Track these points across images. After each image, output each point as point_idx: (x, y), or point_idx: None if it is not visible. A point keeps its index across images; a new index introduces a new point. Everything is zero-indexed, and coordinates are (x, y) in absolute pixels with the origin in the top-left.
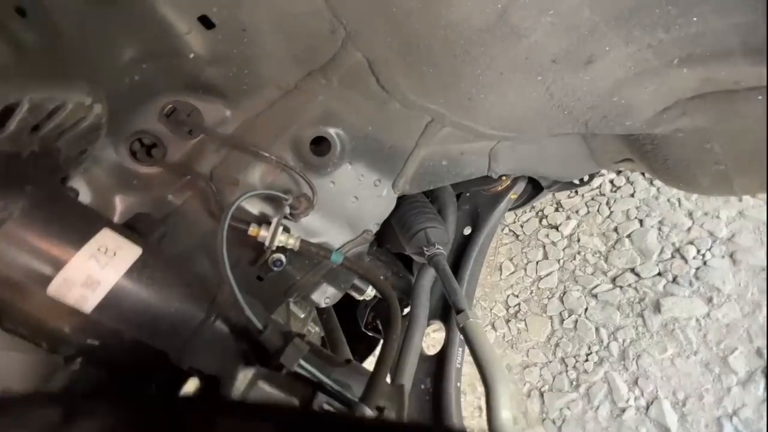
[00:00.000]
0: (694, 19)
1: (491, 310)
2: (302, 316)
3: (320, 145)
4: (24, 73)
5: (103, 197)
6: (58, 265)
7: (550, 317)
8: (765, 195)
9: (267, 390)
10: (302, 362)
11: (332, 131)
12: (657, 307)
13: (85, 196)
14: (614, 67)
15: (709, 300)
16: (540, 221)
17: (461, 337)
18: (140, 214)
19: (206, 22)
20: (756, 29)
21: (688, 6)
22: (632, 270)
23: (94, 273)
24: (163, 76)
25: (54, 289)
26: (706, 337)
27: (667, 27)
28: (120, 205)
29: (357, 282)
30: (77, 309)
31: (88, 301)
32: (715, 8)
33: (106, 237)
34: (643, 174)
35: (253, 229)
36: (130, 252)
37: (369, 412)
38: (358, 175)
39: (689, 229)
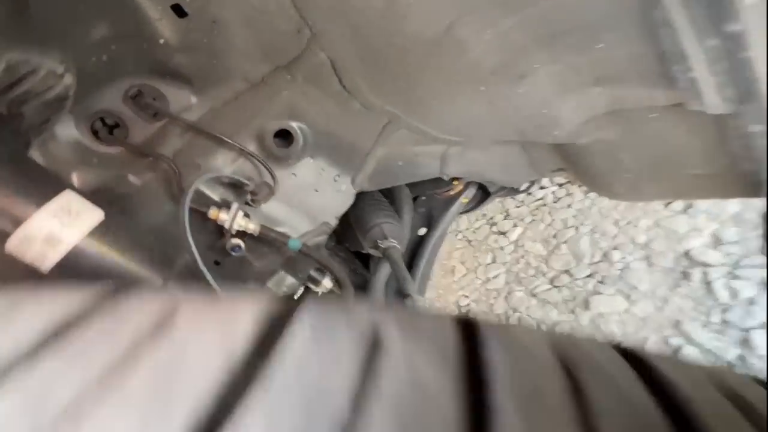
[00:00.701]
0: (600, 46)
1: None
2: None
3: (284, 138)
4: (4, 33)
5: (59, 172)
6: (18, 221)
7: (497, 315)
8: (671, 201)
9: None
10: None
11: (295, 125)
12: (586, 305)
13: None
14: (543, 82)
15: (628, 297)
16: (490, 228)
17: None
18: (100, 189)
19: (179, 10)
20: (645, 59)
21: (595, 35)
22: (567, 272)
23: (56, 231)
24: (131, 59)
25: (13, 245)
26: (626, 329)
27: (581, 51)
28: (77, 181)
29: (313, 273)
30: (34, 269)
31: (47, 258)
32: (617, 37)
33: (69, 198)
34: (579, 186)
35: (213, 211)
36: (93, 215)
37: None
38: (319, 170)
39: (615, 236)
